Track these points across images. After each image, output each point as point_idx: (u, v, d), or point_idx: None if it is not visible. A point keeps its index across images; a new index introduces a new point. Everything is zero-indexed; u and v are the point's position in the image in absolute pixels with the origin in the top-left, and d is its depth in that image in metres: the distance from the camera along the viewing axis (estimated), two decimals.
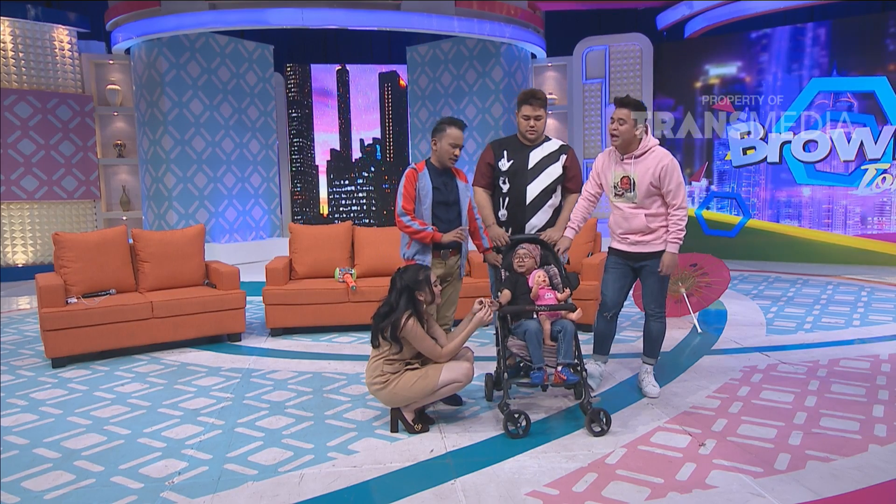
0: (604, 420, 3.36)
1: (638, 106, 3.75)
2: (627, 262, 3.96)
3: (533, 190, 4.00)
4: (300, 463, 3.09)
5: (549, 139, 4.16)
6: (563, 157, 4.06)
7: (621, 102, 3.77)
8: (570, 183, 4.08)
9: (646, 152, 3.79)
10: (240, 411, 3.82)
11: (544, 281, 3.74)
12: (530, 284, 3.75)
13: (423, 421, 3.49)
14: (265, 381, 4.39)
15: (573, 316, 3.64)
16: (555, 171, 4.02)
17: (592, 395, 3.75)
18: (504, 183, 4.04)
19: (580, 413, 3.59)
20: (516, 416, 3.35)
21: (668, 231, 3.82)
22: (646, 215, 3.80)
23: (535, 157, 4.04)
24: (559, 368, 3.48)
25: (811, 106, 9.35)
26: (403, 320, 3.30)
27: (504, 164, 4.05)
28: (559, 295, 3.72)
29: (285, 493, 2.81)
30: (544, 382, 3.46)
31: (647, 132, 3.81)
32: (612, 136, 3.81)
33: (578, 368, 3.53)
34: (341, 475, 2.96)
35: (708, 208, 10.28)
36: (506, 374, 3.64)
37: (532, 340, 3.52)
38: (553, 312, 3.67)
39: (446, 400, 3.75)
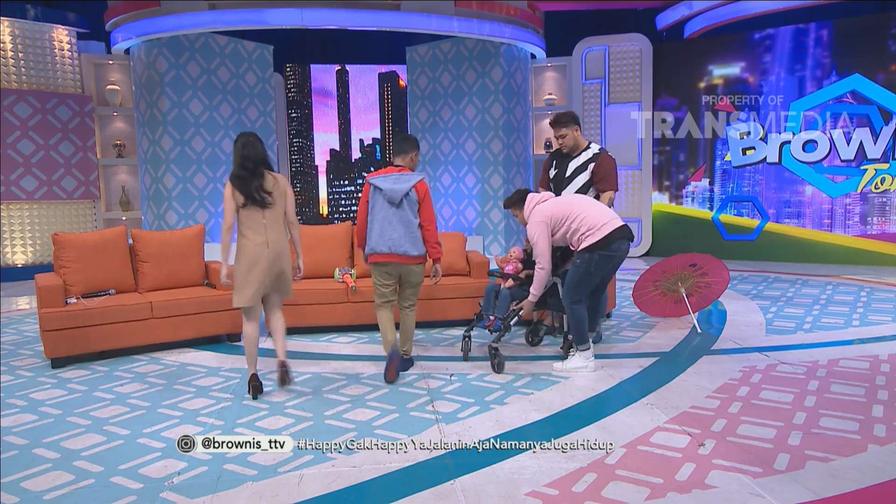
0: (496, 360, 4.44)
1: (515, 202, 4.68)
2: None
3: (565, 194, 4.81)
4: (300, 463, 3.09)
5: (589, 146, 4.94)
6: (592, 165, 4.83)
7: (509, 206, 4.76)
8: (599, 185, 4.82)
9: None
10: (239, 411, 3.82)
11: (514, 256, 4.98)
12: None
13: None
14: (265, 381, 4.38)
15: (524, 303, 4.55)
16: (582, 179, 4.84)
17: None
18: (551, 189, 4.98)
19: (580, 412, 3.66)
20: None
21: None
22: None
23: (571, 166, 4.91)
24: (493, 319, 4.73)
25: (829, 102, 9.32)
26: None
27: (552, 172, 5.03)
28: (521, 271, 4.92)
29: (285, 493, 2.81)
30: (487, 327, 4.79)
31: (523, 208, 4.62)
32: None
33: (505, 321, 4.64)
34: (341, 475, 2.96)
35: (725, 211, 10.26)
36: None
37: (486, 296, 4.91)
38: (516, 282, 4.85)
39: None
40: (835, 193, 9.37)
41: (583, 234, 4.33)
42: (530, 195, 4.61)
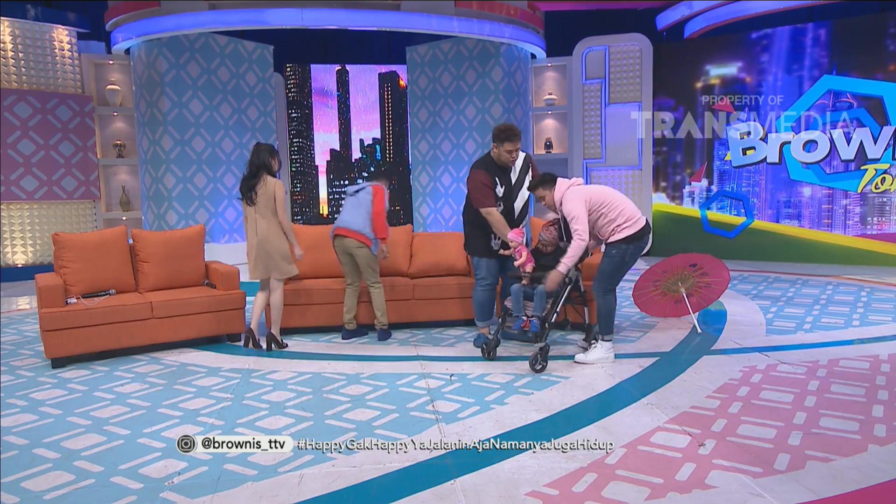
0: (540, 359, 4.39)
1: (545, 182, 4.66)
2: None
3: (517, 205, 5.03)
4: (300, 463, 3.09)
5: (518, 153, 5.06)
6: (529, 170, 5.06)
7: (536, 187, 4.72)
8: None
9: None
10: (239, 411, 3.82)
11: (518, 242, 4.77)
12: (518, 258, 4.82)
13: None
14: (265, 381, 4.39)
15: (551, 273, 4.49)
16: (527, 181, 5.02)
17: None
18: (499, 204, 4.97)
19: (580, 412, 3.66)
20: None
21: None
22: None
23: (513, 175, 5.03)
24: (529, 319, 4.54)
25: (816, 104, 9.33)
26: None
27: (500, 191, 4.98)
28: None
29: (285, 493, 2.81)
30: (523, 328, 4.55)
31: (553, 189, 4.65)
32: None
33: (544, 321, 4.54)
34: (341, 475, 2.96)
35: (709, 209, 10.30)
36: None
37: (514, 296, 4.73)
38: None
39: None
40: (856, 188, 9.28)
41: (619, 224, 4.51)
42: (560, 179, 4.65)
